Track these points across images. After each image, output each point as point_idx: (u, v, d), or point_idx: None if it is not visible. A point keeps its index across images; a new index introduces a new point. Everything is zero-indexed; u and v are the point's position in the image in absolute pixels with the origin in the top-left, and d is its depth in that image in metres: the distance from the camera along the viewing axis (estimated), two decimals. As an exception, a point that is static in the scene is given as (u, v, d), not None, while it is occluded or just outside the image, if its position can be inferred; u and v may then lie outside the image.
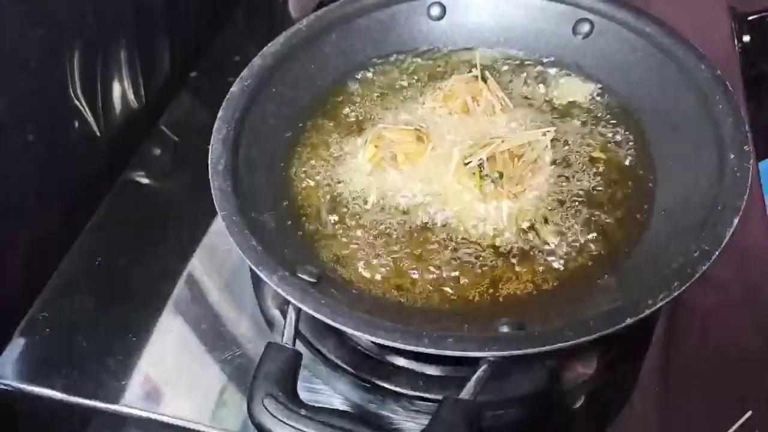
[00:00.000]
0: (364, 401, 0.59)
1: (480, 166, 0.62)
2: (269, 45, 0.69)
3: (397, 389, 0.58)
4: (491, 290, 0.57)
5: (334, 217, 0.62)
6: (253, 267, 0.52)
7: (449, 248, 0.60)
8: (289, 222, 0.62)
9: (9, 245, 0.67)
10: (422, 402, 0.58)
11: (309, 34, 0.71)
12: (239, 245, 0.53)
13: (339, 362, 0.60)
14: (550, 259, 0.59)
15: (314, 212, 0.63)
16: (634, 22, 0.69)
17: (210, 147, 0.60)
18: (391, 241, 0.60)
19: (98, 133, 0.76)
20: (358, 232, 0.61)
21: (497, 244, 0.60)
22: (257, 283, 0.66)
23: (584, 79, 0.72)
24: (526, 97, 0.71)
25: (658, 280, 0.50)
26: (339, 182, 0.65)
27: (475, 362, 0.48)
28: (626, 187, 0.63)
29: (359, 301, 0.56)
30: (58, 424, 0.65)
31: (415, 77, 0.74)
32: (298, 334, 0.51)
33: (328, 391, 0.59)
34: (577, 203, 0.62)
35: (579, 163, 0.65)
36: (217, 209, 0.56)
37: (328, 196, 0.64)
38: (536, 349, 0.47)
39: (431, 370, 0.58)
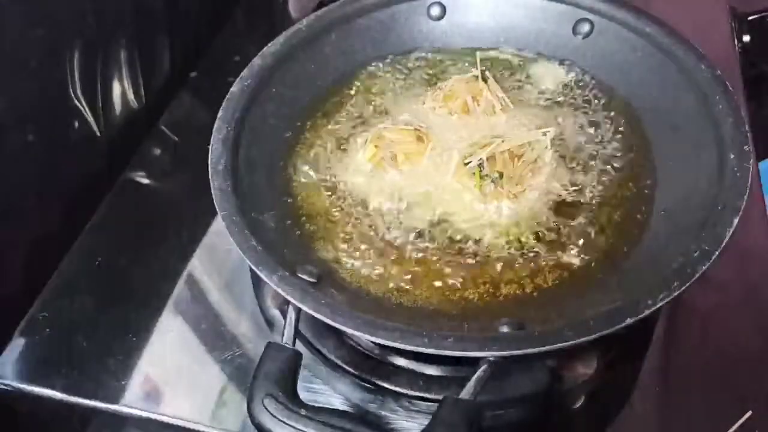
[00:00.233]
0: (364, 401, 0.59)
1: (480, 166, 0.62)
2: (269, 45, 0.69)
3: (397, 389, 0.58)
4: (491, 290, 0.57)
5: (334, 217, 0.62)
6: (253, 267, 0.52)
7: (449, 248, 0.60)
8: (289, 222, 0.62)
9: (9, 245, 0.67)
10: (422, 402, 0.58)
11: (309, 34, 0.71)
12: (239, 245, 0.53)
13: (339, 362, 0.59)
14: (550, 259, 0.59)
15: (314, 212, 0.63)
16: (634, 22, 0.69)
17: (210, 147, 0.60)
18: (391, 241, 0.61)
19: (98, 133, 0.76)
20: (358, 232, 0.61)
21: (497, 244, 0.60)
22: (257, 283, 0.66)
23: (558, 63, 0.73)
24: (526, 97, 0.71)
25: (658, 280, 0.50)
26: (339, 182, 0.65)
27: (475, 362, 0.48)
28: (626, 187, 0.63)
29: (359, 301, 0.56)
30: (58, 424, 0.65)
31: (415, 77, 0.74)
32: (298, 334, 0.51)
33: (328, 391, 0.59)
34: (577, 203, 0.62)
35: (579, 163, 0.65)
36: (217, 209, 0.56)
37: (328, 196, 0.64)
38: (536, 349, 0.47)
39: (431, 370, 0.58)
